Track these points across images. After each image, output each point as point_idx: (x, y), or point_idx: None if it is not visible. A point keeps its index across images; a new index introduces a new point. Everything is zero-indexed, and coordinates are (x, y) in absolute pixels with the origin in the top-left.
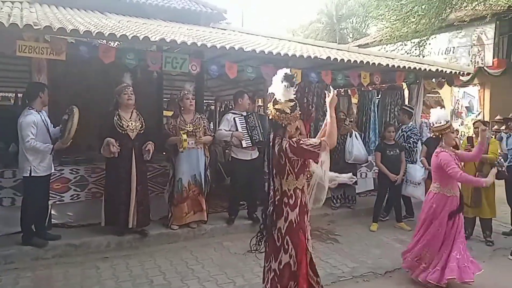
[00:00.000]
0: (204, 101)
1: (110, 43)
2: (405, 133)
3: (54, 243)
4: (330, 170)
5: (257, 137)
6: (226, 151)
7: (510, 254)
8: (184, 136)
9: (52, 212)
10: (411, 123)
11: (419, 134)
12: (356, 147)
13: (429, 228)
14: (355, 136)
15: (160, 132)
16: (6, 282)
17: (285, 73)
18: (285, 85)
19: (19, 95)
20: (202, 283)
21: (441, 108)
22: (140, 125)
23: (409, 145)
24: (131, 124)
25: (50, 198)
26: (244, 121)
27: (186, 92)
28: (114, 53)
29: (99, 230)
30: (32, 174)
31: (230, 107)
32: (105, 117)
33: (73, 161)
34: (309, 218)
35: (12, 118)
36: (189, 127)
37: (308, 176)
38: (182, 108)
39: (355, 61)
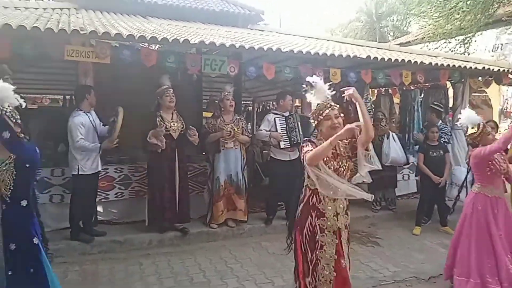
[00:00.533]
0: (242, 102)
1: (151, 46)
2: None
3: (100, 239)
4: (370, 172)
5: (296, 138)
6: (264, 151)
7: None
8: (236, 129)
9: (98, 209)
10: (440, 122)
11: (450, 134)
12: (393, 149)
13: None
14: (393, 137)
15: (200, 132)
16: (56, 275)
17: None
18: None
19: (67, 97)
20: (241, 282)
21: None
22: (182, 126)
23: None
24: (173, 125)
25: (97, 195)
26: (284, 122)
27: (226, 93)
28: (155, 56)
29: (141, 227)
30: (80, 173)
31: (268, 107)
32: (148, 119)
33: (117, 160)
34: (320, 222)
35: (61, 119)
36: (228, 127)
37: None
38: (222, 109)
39: (396, 59)
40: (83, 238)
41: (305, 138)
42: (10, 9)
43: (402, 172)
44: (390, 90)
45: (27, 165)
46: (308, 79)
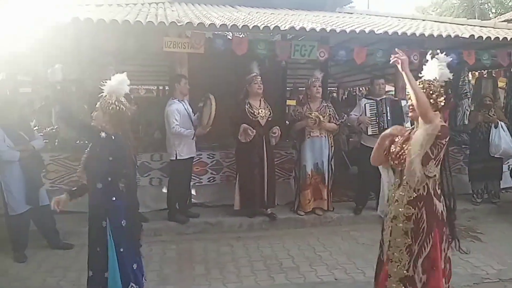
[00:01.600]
0: (328, 88)
1: (242, 35)
2: None
3: (194, 220)
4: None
5: (383, 124)
6: (350, 139)
7: None
8: (321, 117)
9: (192, 192)
10: None
11: None
12: (504, 139)
13: None
14: (501, 126)
15: (283, 120)
16: (156, 252)
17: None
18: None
19: (160, 87)
20: (330, 270)
21: None
22: (269, 113)
23: None
24: (262, 111)
25: (191, 179)
26: (374, 107)
27: (314, 80)
28: (246, 45)
29: (231, 211)
30: (178, 158)
31: (354, 94)
32: (237, 106)
33: (209, 146)
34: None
35: (156, 108)
36: (313, 115)
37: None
38: (309, 96)
39: (505, 38)
40: (179, 218)
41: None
42: (114, 6)
43: (508, 163)
44: (493, 72)
45: (110, 158)
46: (438, 56)
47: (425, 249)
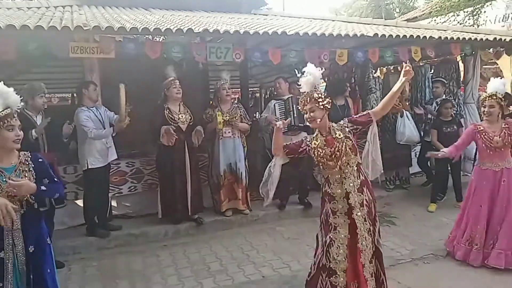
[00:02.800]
0: (249, 89)
1: (156, 38)
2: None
3: (116, 233)
4: (382, 150)
5: (291, 121)
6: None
7: None
8: (220, 114)
9: (112, 204)
10: (444, 95)
11: (456, 106)
12: (408, 127)
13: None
14: (407, 116)
15: (203, 122)
16: (75, 271)
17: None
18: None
19: (75, 95)
20: (258, 268)
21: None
22: (190, 117)
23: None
24: (182, 116)
25: (109, 190)
26: (283, 106)
27: (222, 83)
28: (160, 48)
29: (156, 219)
30: (89, 167)
31: (275, 93)
32: (155, 111)
33: (128, 154)
34: (331, 206)
35: (70, 117)
36: (226, 116)
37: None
38: (219, 99)
39: (405, 36)
40: (99, 233)
41: (300, 124)
42: (13, 9)
43: (415, 150)
44: (399, 67)
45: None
46: (304, 68)
47: (377, 222)
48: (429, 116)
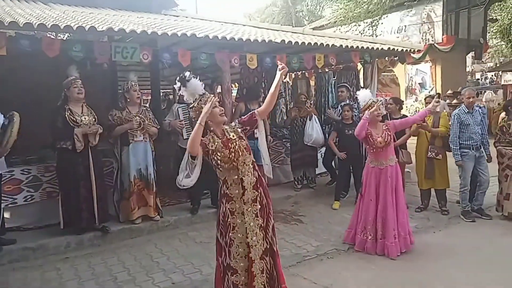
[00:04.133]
0: (162, 90)
1: (59, 36)
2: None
3: (9, 248)
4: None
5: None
6: None
7: (461, 214)
8: (138, 119)
9: (5, 215)
10: (347, 100)
11: (358, 109)
12: (315, 130)
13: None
14: (315, 119)
15: (109, 124)
16: None
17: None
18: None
19: None
20: (168, 275)
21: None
22: (94, 119)
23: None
24: (84, 118)
25: (2, 201)
26: (187, 110)
27: (133, 84)
28: (58, 46)
29: (57, 231)
30: None
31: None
32: (55, 113)
33: (23, 161)
34: (229, 206)
35: None
36: (136, 119)
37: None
38: (128, 100)
39: (310, 43)
40: None
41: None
42: None
43: (321, 151)
44: (306, 73)
45: None
46: (184, 75)
47: (270, 220)
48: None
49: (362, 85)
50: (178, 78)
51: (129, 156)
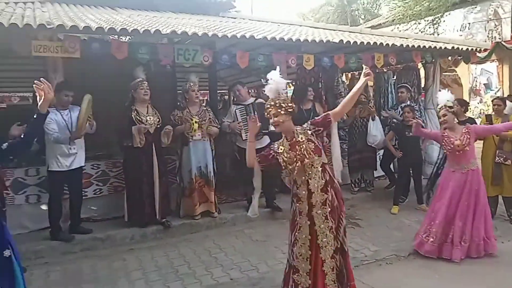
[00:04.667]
0: (218, 91)
1: (122, 38)
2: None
3: (81, 237)
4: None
5: None
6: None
7: None
8: (195, 126)
9: None
10: (408, 101)
11: (420, 113)
12: (380, 130)
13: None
14: (378, 119)
15: (171, 124)
16: (38, 276)
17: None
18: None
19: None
20: (226, 271)
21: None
22: (158, 119)
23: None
24: (150, 118)
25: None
26: (244, 112)
27: (191, 84)
28: (126, 49)
29: (122, 223)
30: (50, 169)
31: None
32: (123, 113)
33: (93, 156)
34: (298, 206)
35: (32, 117)
36: (195, 119)
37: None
38: (188, 100)
39: (369, 43)
40: (63, 237)
41: (264, 131)
42: None
43: (379, 153)
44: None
45: None
46: (269, 75)
47: (341, 221)
48: (394, 120)
49: (423, 86)
50: (269, 74)
51: (190, 154)
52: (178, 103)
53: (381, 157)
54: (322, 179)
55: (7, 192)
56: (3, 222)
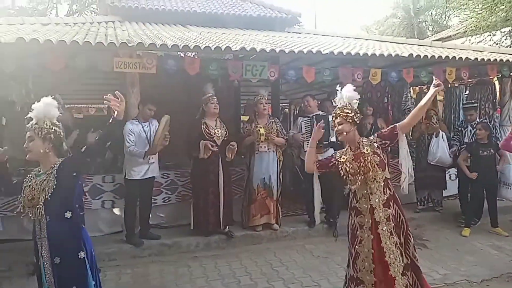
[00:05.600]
0: (280, 104)
1: (188, 54)
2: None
3: (149, 242)
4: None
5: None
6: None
7: None
8: (262, 131)
9: None
10: (477, 119)
11: (494, 127)
12: (441, 148)
13: None
14: (442, 136)
15: (239, 136)
16: (110, 278)
17: None
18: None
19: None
20: (287, 285)
21: None
22: (225, 132)
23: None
24: (218, 131)
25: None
26: (309, 124)
27: (260, 98)
28: (198, 64)
29: (187, 231)
30: (127, 177)
31: (303, 110)
32: (193, 126)
33: (163, 166)
34: (358, 220)
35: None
36: (262, 129)
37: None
38: (257, 113)
39: (440, 56)
40: (134, 241)
41: (325, 142)
42: (61, 25)
43: (449, 172)
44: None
45: (74, 174)
46: (339, 88)
47: (409, 236)
48: (465, 140)
49: (498, 101)
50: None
51: (255, 165)
52: (248, 117)
53: (451, 175)
54: (384, 194)
55: (85, 197)
56: (81, 224)
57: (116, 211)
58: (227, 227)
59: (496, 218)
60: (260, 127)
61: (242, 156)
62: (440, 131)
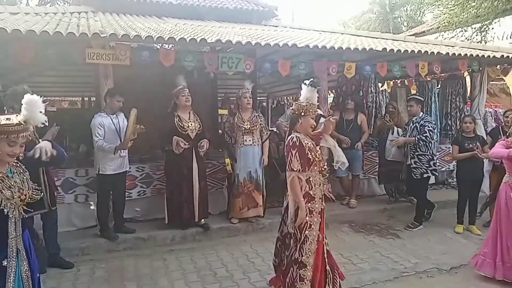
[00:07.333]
0: (257, 98)
1: (170, 47)
2: (417, 124)
3: (124, 236)
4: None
5: None
6: (280, 146)
7: None
8: (227, 161)
9: None
10: (421, 113)
11: (433, 122)
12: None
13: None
14: (397, 132)
15: (216, 130)
16: (84, 272)
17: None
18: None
19: (86, 99)
20: (263, 276)
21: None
22: (199, 125)
23: (425, 134)
24: (191, 124)
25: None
26: None
27: (245, 91)
28: (173, 56)
29: (164, 224)
30: (100, 172)
31: (282, 103)
32: (166, 119)
33: (138, 159)
34: (310, 206)
35: (80, 121)
36: (247, 125)
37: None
38: (240, 106)
39: (413, 51)
40: (108, 235)
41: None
42: (31, 15)
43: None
44: (406, 81)
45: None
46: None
47: None
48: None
49: (468, 95)
50: (310, 80)
51: (240, 159)
52: (232, 109)
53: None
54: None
55: (58, 191)
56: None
57: (90, 205)
58: (203, 220)
59: (474, 215)
60: (227, 161)
61: (220, 150)
62: (396, 127)
